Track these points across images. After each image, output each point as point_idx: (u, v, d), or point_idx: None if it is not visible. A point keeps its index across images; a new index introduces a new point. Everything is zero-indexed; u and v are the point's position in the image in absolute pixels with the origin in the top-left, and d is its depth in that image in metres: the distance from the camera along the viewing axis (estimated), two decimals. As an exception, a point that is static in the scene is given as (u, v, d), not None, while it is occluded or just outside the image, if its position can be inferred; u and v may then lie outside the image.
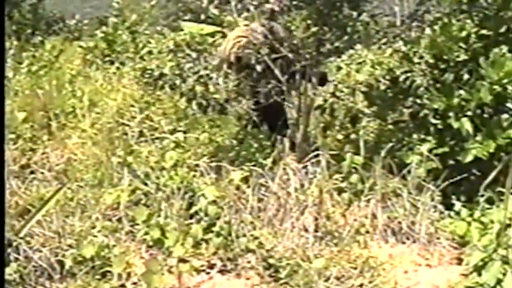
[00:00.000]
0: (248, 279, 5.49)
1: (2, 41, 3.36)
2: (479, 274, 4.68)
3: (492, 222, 5.68)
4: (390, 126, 7.59)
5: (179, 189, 6.05)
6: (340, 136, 8.56)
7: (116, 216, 6.00)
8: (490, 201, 6.25)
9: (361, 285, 5.39)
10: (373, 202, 6.26)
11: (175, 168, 6.39)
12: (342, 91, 9.37)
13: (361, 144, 6.71)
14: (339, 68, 9.76)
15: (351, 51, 9.91)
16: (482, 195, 6.30)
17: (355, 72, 9.85)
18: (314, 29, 6.71)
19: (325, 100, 8.57)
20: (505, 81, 6.63)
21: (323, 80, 7.96)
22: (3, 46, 3.60)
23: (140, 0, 15.12)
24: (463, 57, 7.05)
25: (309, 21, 6.78)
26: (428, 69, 7.28)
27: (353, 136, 8.26)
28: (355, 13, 6.80)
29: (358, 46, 9.68)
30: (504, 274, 4.43)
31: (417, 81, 7.23)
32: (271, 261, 5.55)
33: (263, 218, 6.07)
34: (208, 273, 5.52)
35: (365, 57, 10.04)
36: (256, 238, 5.77)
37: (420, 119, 7.07)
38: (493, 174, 6.23)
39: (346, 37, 6.82)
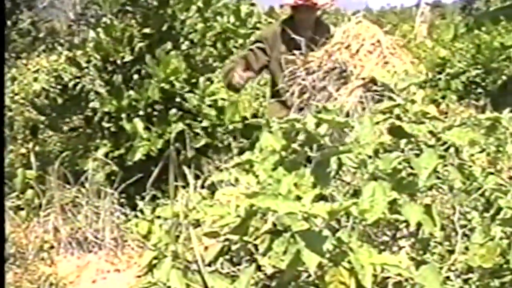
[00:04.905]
0: None
1: (2, 41, 3.24)
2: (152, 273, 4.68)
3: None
4: (68, 135, 7.41)
5: None
6: (23, 150, 8.21)
7: None
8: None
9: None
10: (53, 215, 6.05)
11: None
12: (22, 103, 8.99)
13: (32, 157, 6.47)
14: (14, 79, 9.31)
15: (25, 60, 9.49)
16: (161, 191, 6.40)
17: (33, 81, 9.47)
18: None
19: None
20: (171, 78, 6.78)
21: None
22: (3, 47, 3.78)
23: None
24: (129, 57, 7.09)
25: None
26: (97, 73, 7.20)
27: (38, 148, 7.97)
28: (9, 22, 6.47)
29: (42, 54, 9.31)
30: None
31: (87, 85, 7.12)
32: None
33: None
34: None
35: (40, 65, 9.69)
36: None
37: (95, 124, 6.97)
38: (156, 171, 6.32)
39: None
